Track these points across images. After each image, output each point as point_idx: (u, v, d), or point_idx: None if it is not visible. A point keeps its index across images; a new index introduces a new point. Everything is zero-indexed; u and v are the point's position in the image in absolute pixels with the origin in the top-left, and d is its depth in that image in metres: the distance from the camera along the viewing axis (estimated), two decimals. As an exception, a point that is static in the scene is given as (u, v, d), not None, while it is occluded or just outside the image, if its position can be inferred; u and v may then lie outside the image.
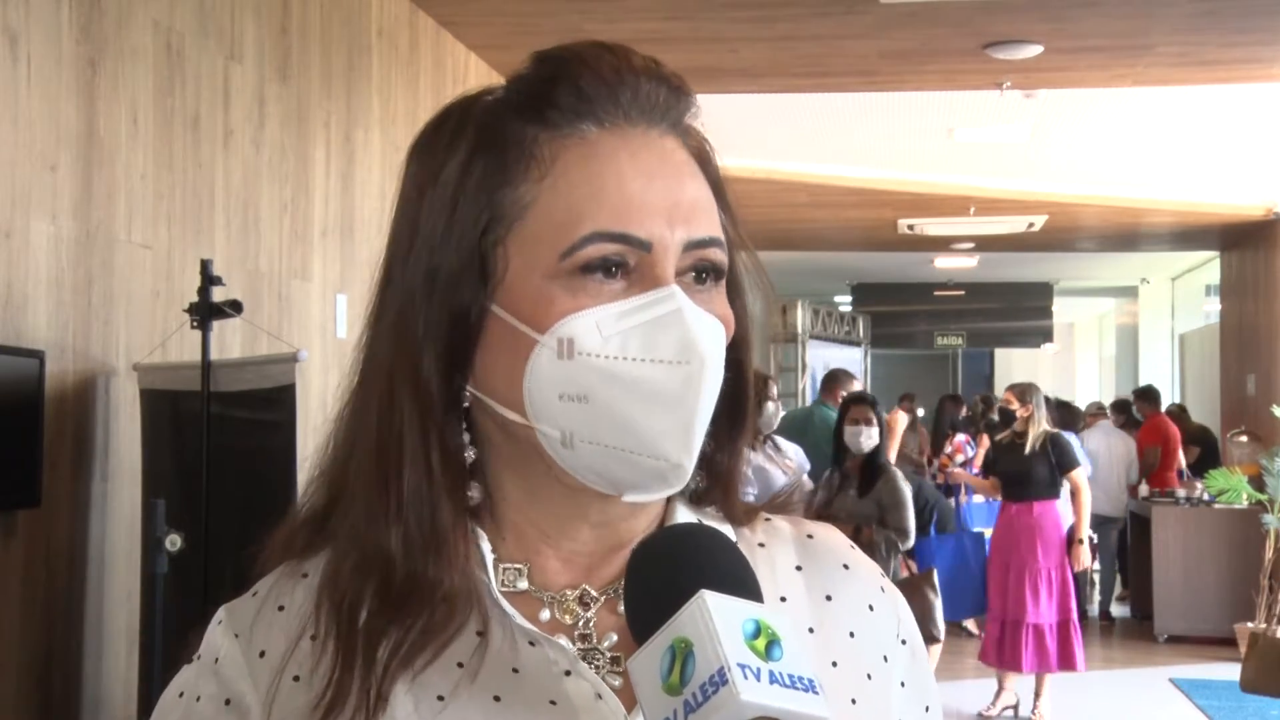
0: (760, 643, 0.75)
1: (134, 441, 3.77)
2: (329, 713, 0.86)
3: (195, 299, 3.64)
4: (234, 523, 3.64)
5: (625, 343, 0.87)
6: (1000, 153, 9.69)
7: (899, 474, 6.34)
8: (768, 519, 1.02)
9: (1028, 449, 7.30)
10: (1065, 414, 10.86)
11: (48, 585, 3.53)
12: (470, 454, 0.93)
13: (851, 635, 0.96)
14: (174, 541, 3.32)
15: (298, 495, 3.67)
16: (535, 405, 0.89)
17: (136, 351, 3.81)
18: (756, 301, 1.02)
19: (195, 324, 3.62)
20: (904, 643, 1.00)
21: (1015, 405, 7.59)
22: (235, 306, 3.66)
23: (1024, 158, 9.84)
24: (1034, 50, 6.50)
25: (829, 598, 0.98)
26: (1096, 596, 11.10)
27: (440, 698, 0.87)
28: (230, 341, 4.21)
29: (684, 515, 0.97)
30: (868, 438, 6.20)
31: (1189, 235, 12.85)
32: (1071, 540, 7.31)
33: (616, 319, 0.87)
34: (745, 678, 0.73)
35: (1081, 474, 7.46)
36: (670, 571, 0.81)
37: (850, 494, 6.17)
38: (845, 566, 1.00)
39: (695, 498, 0.99)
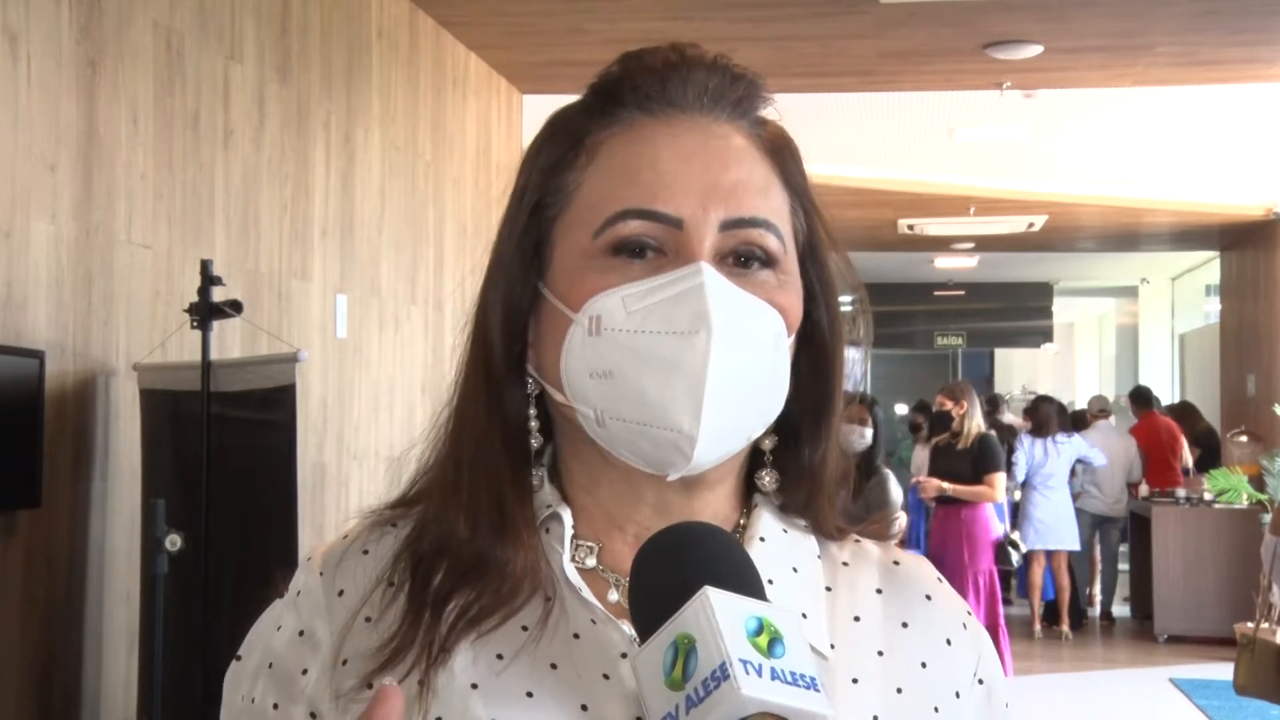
0: (763, 640, 0.75)
1: (134, 441, 3.77)
2: (393, 657, 0.89)
3: (195, 299, 3.64)
4: (234, 523, 3.65)
5: (647, 318, 0.88)
6: (1000, 153, 9.69)
7: (890, 477, 6.30)
8: (857, 541, 1.02)
9: (960, 446, 7.26)
10: (1064, 418, 10.85)
11: (48, 585, 3.53)
12: (536, 440, 0.96)
13: (924, 665, 0.95)
14: (174, 541, 3.32)
15: (298, 495, 3.66)
16: (571, 384, 0.91)
17: (136, 351, 3.81)
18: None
19: (195, 324, 3.62)
20: (981, 682, 0.98)
21: (949, 405, 7.52)
22: (235, 306, 3.66)
23: (1024, 158, 9.84)
24: (1034, 50, 6.50)
25: (905, 625, 0.97)
26: (1098, 596, 11.10)
27: (499, 656, 0.89)
28: (230, 341, 4.21)
29: (768, 521, 0.97)
30: (859, 437, 6.16)
31: (1189, 235, 12.85)
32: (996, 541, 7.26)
33: (643, 296, 0.89)
34: (747, 673, 0.73)
35: (1000, 479, 7.38)
36: (674, 568, 0.81)
37: (842, 495, 6.16)
38: (928, 597, 1.00)
39: (783, 507, 0.99)
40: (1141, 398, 11.59)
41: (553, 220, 0.94)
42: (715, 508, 0.96)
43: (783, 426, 0.97)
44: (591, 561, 0.95)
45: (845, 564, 1.00)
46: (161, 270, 3.97)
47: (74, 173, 3.59)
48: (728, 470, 0.95)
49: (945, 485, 7.37)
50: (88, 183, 3.65)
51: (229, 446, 3.66)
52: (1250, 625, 6.38)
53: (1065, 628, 10.02)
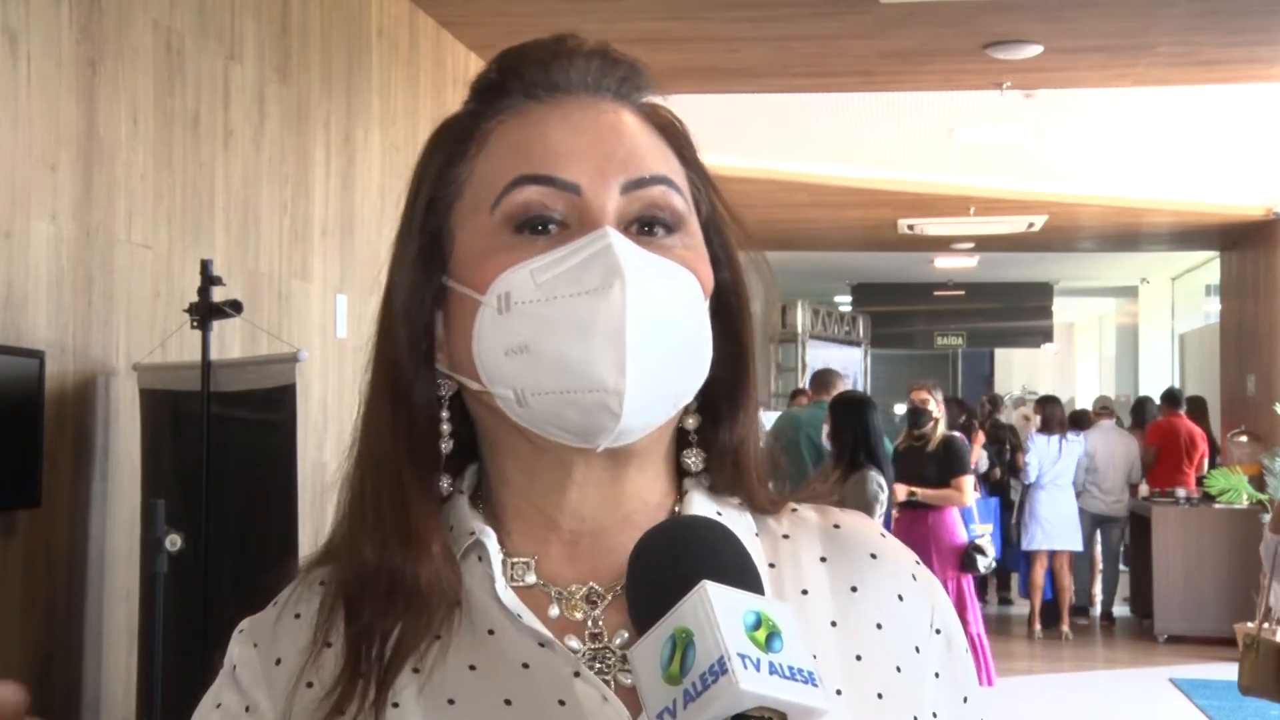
0: (761, 634, 0.75)
1: (134, 441, 3.77)
2: (336, 708, 0.87)
3: (195, 299, 3.64)
4: (234, 523, 3.65)
5: (555, 285, 0.86)
6: (1000, 153, 9.69)
7: (872, 477, 6.22)
8: (794, 509, 1.00)
9: (929, 448, 7.16)
10: (1070, 416, 10.87)
11: (48, 585, 3.53)
12: (447, 445, 0.94)
13: (879, 627, 0.94)
14: (174, 541, 3.32)
15: (298, 495, 3.66)
16: (486, 367, 0.89)
17: (136, 351, 3.81)
18: (755, 299, 1.01)
19: (195, 324, 3.62)
20: (938, 632, 0.96)
21: (929, 400, 7.38)
22: (235, 306, 3.66)
23: (1024, 158, 9.84)
24: (1034, 50, 6.50)
25: (854, 589, 0.95)
26: (1098, 596, 11.11)
27: (451, 701, 0.87)
28: (230, 341, 4.21)
29: (700, 503, 0.95)
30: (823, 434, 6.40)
31: (1189, 235, 12.85)
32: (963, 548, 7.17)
33: (550, 266, 0.87)
34: (745, 668, 0.73)
35: (968, 482, 7.28)
36: (671, 563, 0.80)
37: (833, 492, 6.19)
38: (873, 556, 0.97)
39: (713, 488, 0.97)
40: (1170, 398, 11.59)
41: (448, 210, 0.93)
42: (644, 488, 0.93)
43: (703, 405, 0.95)
44: (531, 578, 0.92)
45: (785, 536, 0.97)
46: (161, 270, 3.97)
47: (74, 173, 3.59)
48: (653, 445, 0.92)
49: (915, 490, 7.31)
50: (88, 183, 3.65)
51: (229, 446, 3.65)
52: (1251, 625, 6.39)
53: (1065, 628, 10.02)
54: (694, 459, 0.96)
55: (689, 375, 0.90)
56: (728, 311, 0.95)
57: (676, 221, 0.91)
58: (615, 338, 0.85)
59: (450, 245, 0.92)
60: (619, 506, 0.92)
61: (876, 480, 6.15)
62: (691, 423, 0.96)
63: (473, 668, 0.88)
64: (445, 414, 0.94)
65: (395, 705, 0.87)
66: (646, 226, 0.90)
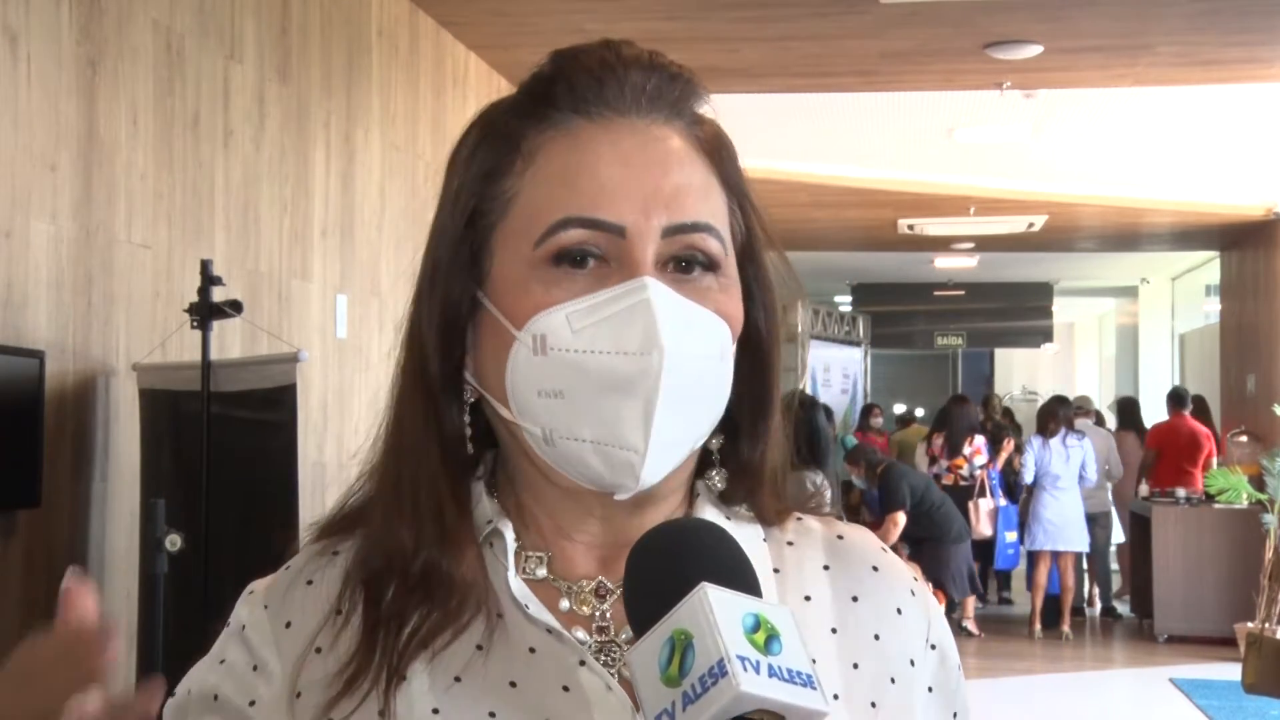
0: (760, 636, 0.75)
1: (134, 441, 3.77)
2: (349, 684, 0.88)
3: (195, 299, 3.64)
4: (234, 523, 3.65)
5: (595, 337, 0.87)
6: (1000, 153, 9.69)
7: (808, 476, 6.25)
8: (799, 519, 1.01)
9: None
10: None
11: (48, 585, 3.52)
12: (470, 448, 0.95)
13: (877, 638, 0.95)
14: (174, 541, 3.32)
15: (298, 496, 3.64)
16: (518, 402, 0.90)
17: (136, 351, 3.81)
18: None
19: (195, 324, 3.63)
20: (933, 647, 0.98)
21: None
22: (235, 306, 3.66)
23: (1024, 158, 9.84)
24: (1034, 50, 6.51)
25: (855, 599, 0.97)
26: (1096, 595, 11.12)
27: (457, 678, 0.89)
28: (230, 341, 4.21)
29: (710, 512, 0.97)
30: None
31: (1189, 235, 12.85)
32: None
33: (587, 313, 0.88)
34: (745, 670, 0.73)
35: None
36: (670, 564, 0.80)
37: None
38: (875, 569, 0.99)
39: (724, 497, 0.98)
40: (1175, 398, 11.57)
41: (491, 228, 0.92)
42: (665, 516, 0.95)
43: (725, 425, 0.96)
44: (542, 572, 0.94)
45: (790, 544, 0.99)
46: (161, 270, 3.97)
47: (74, 173, 3.59)
48: (677, 483, 0.95)
49: None
50: (88, 183, 3.65)
51: (229, 446, 3.66)
52: (1252, 625, 6.39)
53: (1066, 628, 10.02)
54: (717, 479, 0.97)
55: (707, 420, 0.92)
56: (756, 342, 0.96)
57: (712, 263, 0.91)
58: (645, 405, 0.87)
59: (489, 263, 0.92)
60: (637, 530, 0.92)
61: (812, 479, 6.21)
62: (715, 444, 0.97)
63: (480, 648, 0.89)
64: (468, 419, 0.95)
65: (403, 679, 0.89)
66: (684, 263, 0.90)
